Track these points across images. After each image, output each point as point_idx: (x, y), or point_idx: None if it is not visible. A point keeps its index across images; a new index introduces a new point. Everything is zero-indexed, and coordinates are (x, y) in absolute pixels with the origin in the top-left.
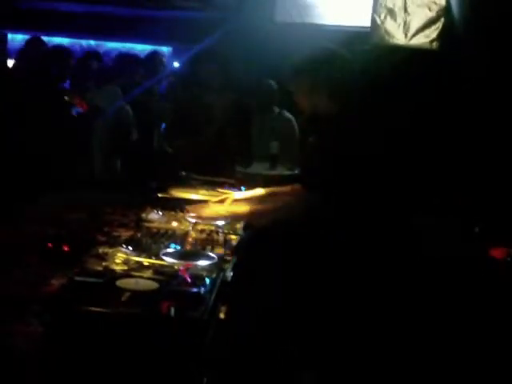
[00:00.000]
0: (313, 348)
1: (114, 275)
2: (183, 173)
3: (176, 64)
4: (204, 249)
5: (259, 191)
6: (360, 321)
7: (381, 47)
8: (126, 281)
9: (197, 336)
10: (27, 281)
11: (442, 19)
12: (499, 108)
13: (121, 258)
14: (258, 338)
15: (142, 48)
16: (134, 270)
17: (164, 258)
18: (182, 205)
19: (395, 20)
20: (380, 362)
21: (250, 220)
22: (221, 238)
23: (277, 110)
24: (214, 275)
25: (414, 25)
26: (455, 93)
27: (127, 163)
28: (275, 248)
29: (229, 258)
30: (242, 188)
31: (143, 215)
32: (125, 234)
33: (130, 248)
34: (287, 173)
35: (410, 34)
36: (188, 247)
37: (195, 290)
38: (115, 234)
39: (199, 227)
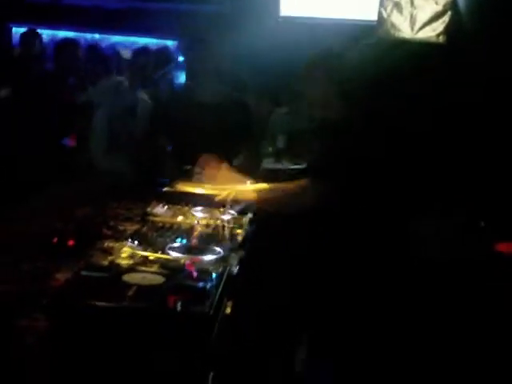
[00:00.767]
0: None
1: (119, 270)
2: (188, 167)
3: (181, 58)
4: (210, 243)
5: (263, 186)
6: (356, 322)
7: (387, 41)
8: (132, 275)
9: (202, 330)
10: (33, 275)
11: (449, 13)
12: (505, 103)
13: (127, 252)
14: (264, 333)
15: (145, 42)
16: (139, 264)
17: (170, 252)
18: (188, 198)
19: (401, 13)
20: (380, 360)
21: (258, 206)
22: (227, 232)
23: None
24: (219, 270)
25: (421, 18)
26: (462, 88)
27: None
28: (278, 240)
29: (235, 252)
30: (248, 182)
31: (149, 209)
32: (130, 228)
33: (136, 242)
34: (293, 167)
35: (416, 28)
36: (194, 242)
37: (201, 284)
38: (121, 228)
39: (205, 221)
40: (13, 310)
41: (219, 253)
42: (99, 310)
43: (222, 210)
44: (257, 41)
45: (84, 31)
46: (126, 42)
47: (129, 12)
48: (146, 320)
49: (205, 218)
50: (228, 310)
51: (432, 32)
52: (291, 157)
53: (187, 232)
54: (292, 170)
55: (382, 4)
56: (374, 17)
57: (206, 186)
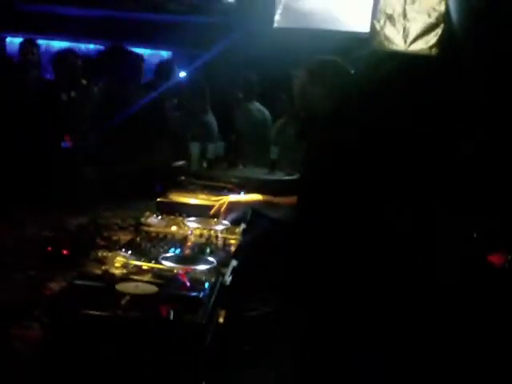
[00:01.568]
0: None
1: (113, 279)
2: (182, 177)
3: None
4: (203, 253)
5: (257, 197)
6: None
7: (380, 53)
8: (126, 284)
9: (195, 339)
10: (27, 284)
11: (442, 25)
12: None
13: (120, 261)
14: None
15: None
16: (133, 273)
17: (163, 262)
18: (181, 208)
19: (394, 26)
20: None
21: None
22: (220, 242)
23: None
24: (213, 279)
25: (414, 31)
26: (454, 99)
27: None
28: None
29: (228, 262)
30: (241, 192)
31: (142, 219)
32: (124, 238)
33: (130, 252)
34: (286, 178)
35: (409, 40)
36: (187, 251)
37: (194, 294)
38: (114, 237)
39: (198, 232)
40: (6, 318)
41: (212, 263)
42: (93, 318)
43: (215, 220)
44: (251, 51)
45: (78, 41)
46: None
47: (123, 22)
48: (139, 329)
49: (198, 228)
50: (221, 320)
51: (425, 44)
52: (285, 167)
53: (180, 242)
54: (285, 181)
55: (374, 16)
56: (367, 29)
57: (200, 196)
